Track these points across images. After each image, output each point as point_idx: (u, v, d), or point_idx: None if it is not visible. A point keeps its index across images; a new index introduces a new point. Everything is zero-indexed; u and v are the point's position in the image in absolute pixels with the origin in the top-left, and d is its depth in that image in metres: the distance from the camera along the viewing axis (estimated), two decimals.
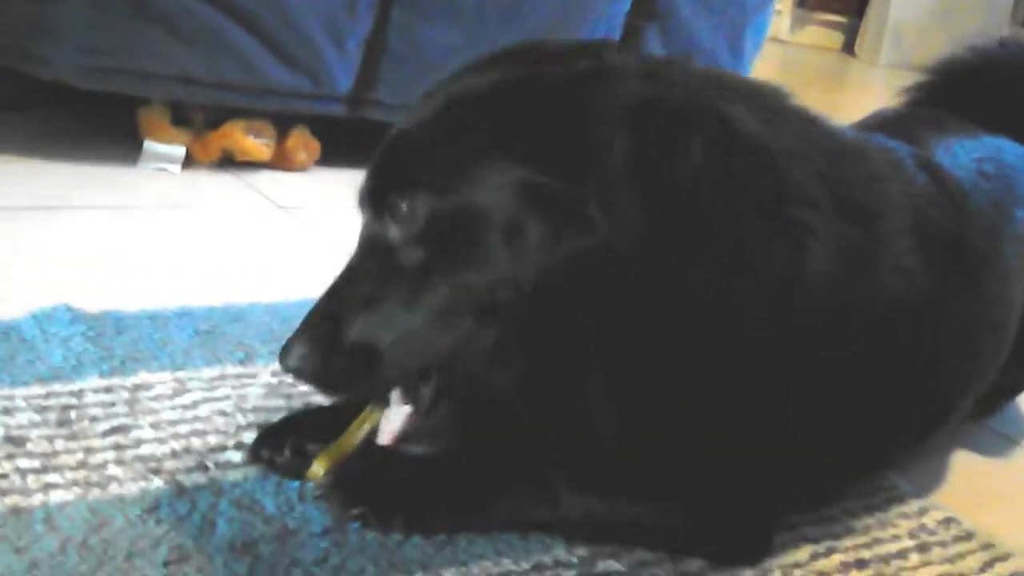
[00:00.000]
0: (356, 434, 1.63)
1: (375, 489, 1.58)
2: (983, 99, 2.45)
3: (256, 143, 3.00)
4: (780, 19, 8.69)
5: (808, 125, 1.71)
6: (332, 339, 1.50)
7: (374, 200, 1.54)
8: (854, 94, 6.85)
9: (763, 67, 6.13)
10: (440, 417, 1.60)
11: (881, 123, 2.29)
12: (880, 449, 1.93)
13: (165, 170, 2.92)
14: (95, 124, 3.08)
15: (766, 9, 3.81)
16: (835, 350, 1.67)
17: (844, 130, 1.86)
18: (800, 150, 1.62)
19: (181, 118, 2.97)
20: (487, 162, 1.47)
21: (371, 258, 1.54)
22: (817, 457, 1.74)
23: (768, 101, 1.67)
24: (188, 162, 2.97)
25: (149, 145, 2.92)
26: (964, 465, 2.25)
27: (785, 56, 7.99)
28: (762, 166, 1.56)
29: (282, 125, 3.08)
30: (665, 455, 1.63)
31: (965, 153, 2.11)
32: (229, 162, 3.03)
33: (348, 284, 1.55)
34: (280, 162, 3.08)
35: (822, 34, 9.07)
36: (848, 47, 9.05)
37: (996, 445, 2.39)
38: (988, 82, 2.52)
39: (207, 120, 3.00)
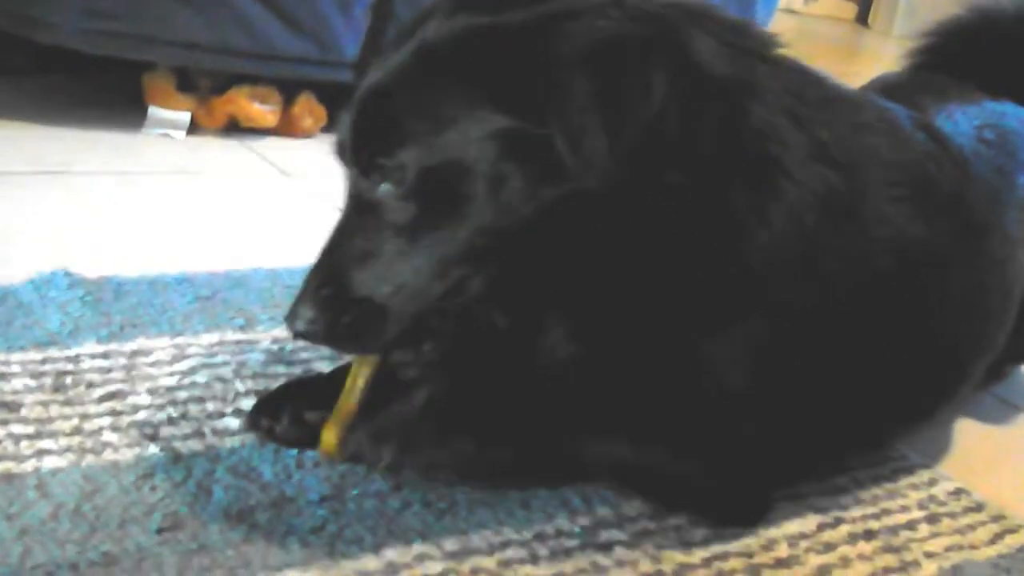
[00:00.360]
0: (353, 393, 1.61)
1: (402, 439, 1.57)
2: (984, 60, 2.43)
3: (262, 109, 2.99)
4: None
5: (787, 70, 1.68)
6: (336, 299, 1.51)
7: (359, 157, 1.54)
8: (868, 64, 6.81)
9: None
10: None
11: (882, 89, 2.27)
12: (889, 416, 1.91)
13: (170, 136, 2.91)
14: (100, 89, 3.07)
15: None
16: (815, 300, 1.65)
17: (838, 84, 1.82)
18: (770, 88, 1.60)
19: (186, 84, 2.96)
20: (466, 113, 1.46)
21: (361, 215, 1.54)
22: (817, 421, 1.73)
23: (743, 39, 1.64)
24: (193, 128, 2.96)
25: (154, 111, 2.91)
26: (972, 434, 2.23)
27: (799, 27, 7.95)
28: (724, 101, 1.55)
29: (288, 91, 3.07)
30: (648, 407, 1.64)
31: (966, 120, 2.09)
32: (235, 128, 3.02)
33: (342, 242, 1.55)
34: (286, 128, 3.06)
35: (836, 5, 9.04)
36: (862, 18, 9.02)
37: (1003, 413, 2.38)
38: (989, 42, 2.49)
39: (212, 86, 2.99)
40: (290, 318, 1.53)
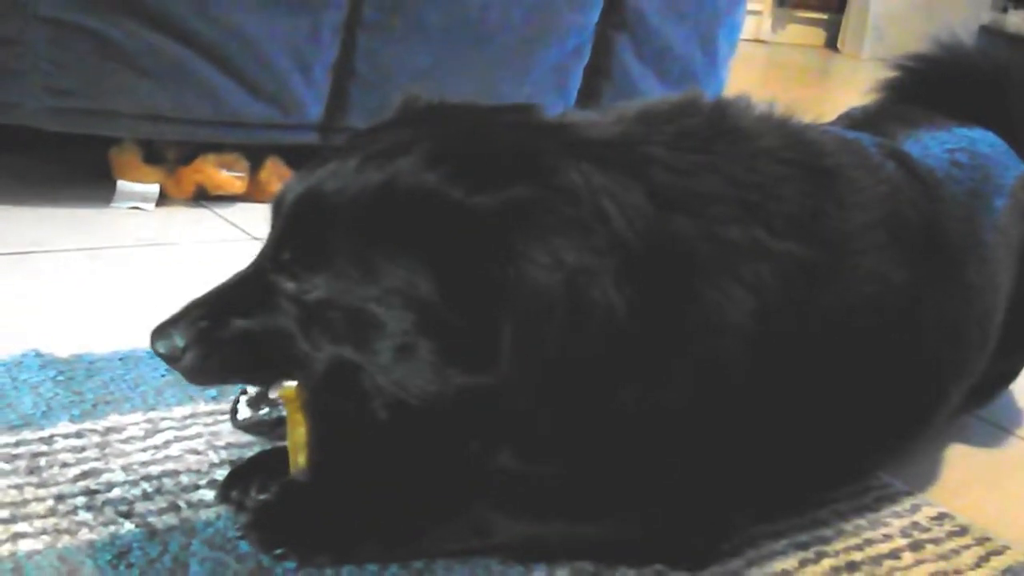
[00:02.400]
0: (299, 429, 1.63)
1: (296, 525, 1.57)
2: (950, 93, 2.45)
3: (229, 176, 3.00)
4: (761, 19, 8.73)
5: (732, 156, 1.66)
6: (210, 335, 1.55)
7: (278, 255, 1.55)
8: (839, 89, 6.85)
9: (747, 68, 6.14)
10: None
11: (850, 124, 2.27)
12: (864, 449, 1.91)
13: (140, 208, 2.91)
14: (68, 166, 3.07)
15: (738, 10, 3.80)
16: (791, 352, 1.65)
17: (792, 125, 1.81)
18: (714, 203, 1.59)
19: (153, 156, 2.96)
20: (402, 274, 1.46)
21: (266, 283, 1.56)
22: (787, 462, 1.73)
23: (688, 144, 1.64)
24: (163, 199, 2.97)
25: (123, 184, 2.91)
26: (957, 458, 2.24)
27: (769, 56, 8.00)
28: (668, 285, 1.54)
29: (255, 156, 3.07)
30: (596, 465, 1.62)
31: (937, 144, 2.09)
32: (203, 196, 3.02)
33: (236, 294, 1.58)
34: (255, 193, 3.07)
35: (804, 32, 9.10)
36: (831, 43, 9.09)
37: (990, 435, 2.39)
38: (954, 76, 2.51)
39: (179, 156, 2.99)
40: (156, 336, 1.56)
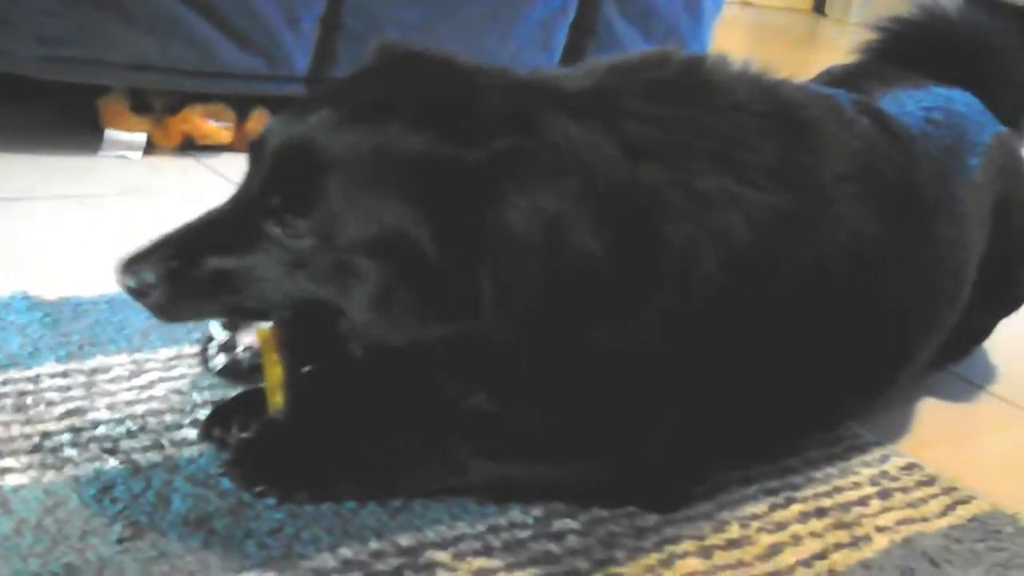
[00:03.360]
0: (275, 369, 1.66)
1: (276, 463, 1.60)
2: (930, 54, 2.47)
3: (216, 126, 3.01)
4: None
5: (713, 107, 1.71)
6: (180, 275, 1.55)
7: (264, 199, 1.55)
8: (825, 53, 6.82)
9: (733, 31, 6.14)
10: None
11: (830, 80, 2.30)
12: (835, 398, 1.95)
13: (127, 157, 2.93)
14: (57, 114, 3.08)
15: None
16: (763, 299, 1.69)
17: (769, 81, 1.85)
18: (694, 153, 1.64)
19: (141, 105, 2.97)
20: (391, 222, 1.49)
21: (242, 219, 1.58)
22: (758, 407, 1.76)
23: (670, 93, 1.69)
24: (150, 148, 2.98)
25: (110, 133, 2.93)
26: (929, 411, 2.28)
27: (755, 19, 7.98)
28: (644, 220, 1.58)
29: (242, 107, 3.08)
30: (572, 407, 1.66)
31: (913, 102, 2.12)
32: (191, 146, 3.04)
33: (210, 230, 1.59)
34: (242, 144, 3.06)
35: None
36: (819, 7, 9.05)
37: (962, 390, 2.43)
38: (934, 38, 2.54)
39: (167, 106, 3.00)
40: (125, 270, 1.56)
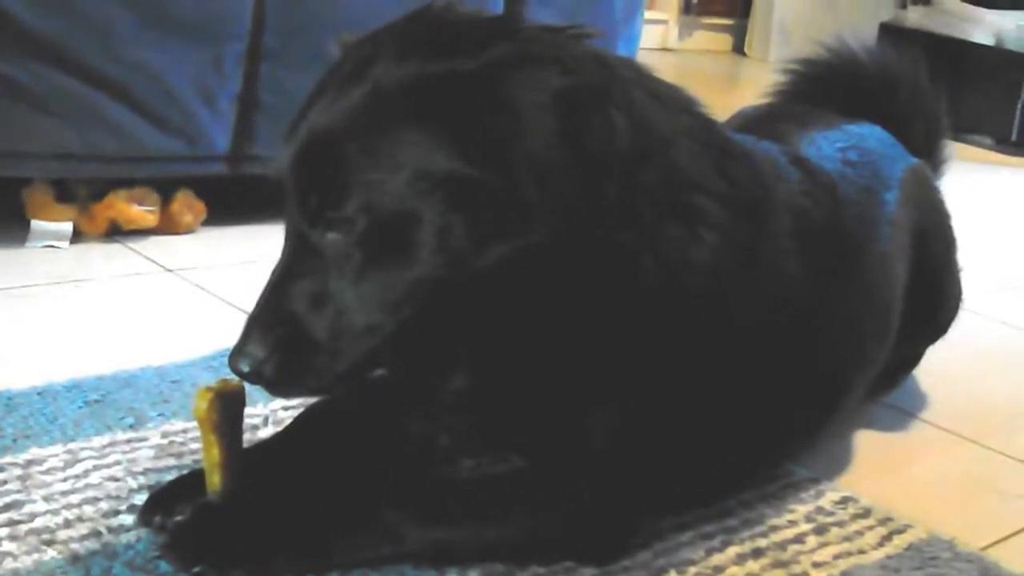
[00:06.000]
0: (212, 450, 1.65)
1: (212, 543, 1.58)
2: (842, 94, 2.52)
3: (141, 211, 3.00)
4: (668, 28, 8.77)
5: (701, 120, 1.78)
6: (292, 340, 1.56)
7: (304, 209, 1.56)
8: (748, 92, 6.87)
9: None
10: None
11: (744, 124, 2.33)
12: (770, 442, 1.98)
13: (55, 247, 2.92)
14: None
15: (634, 20, 3.83)
16: (711, 343, 1.72)
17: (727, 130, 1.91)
18: (698, 141, 1.70)
19: (65, 194, 2.96)
20: (417, 160, 1.50)
21: (305, 258, 1.58)
22: (694, 454, 1.79)
23: (667, 92, 1.74)
24: (77, 236, 2.97)
25: (36, 224, 2.92)
26: (863, 443, 2.31)
27: (677, 64, 8.04)
28: (664, 151, 1.63)
29: (165, 190, 3.08)
30: (520, 450, 1.72)
31: (828, 144, 2.16)
32: (117, 232, 3.03)
33: (288, 285, 1.59)
34: (167, 226, 3.08)
35: (711, 38, 9.15)
36: (738, 48, 9.14)
37: (893, 419, 2.46)
38: (845, 78, 2.59)
39: (91, 193, 2.99)
40: (235, 357, 1.57)
